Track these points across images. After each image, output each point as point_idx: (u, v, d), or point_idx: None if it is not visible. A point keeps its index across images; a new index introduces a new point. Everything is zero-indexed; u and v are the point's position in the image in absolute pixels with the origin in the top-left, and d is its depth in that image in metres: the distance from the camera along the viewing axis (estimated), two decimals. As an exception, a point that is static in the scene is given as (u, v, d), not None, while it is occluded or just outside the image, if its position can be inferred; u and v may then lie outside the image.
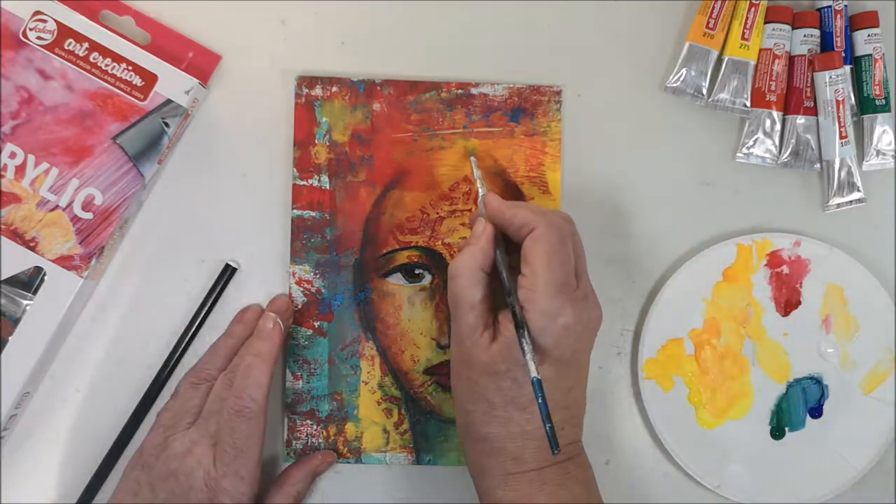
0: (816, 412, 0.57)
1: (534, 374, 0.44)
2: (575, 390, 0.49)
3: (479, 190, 0.53)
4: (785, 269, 0.57)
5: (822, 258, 0.57)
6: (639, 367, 0.56)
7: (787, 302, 0.58)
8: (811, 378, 0.57)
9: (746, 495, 0.56)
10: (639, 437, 0.58)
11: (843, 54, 0.57)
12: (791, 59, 0.58)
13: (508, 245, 0.50)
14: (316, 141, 0.56)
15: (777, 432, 0.57)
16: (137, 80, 0.53)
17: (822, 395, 0.57)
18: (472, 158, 0.55)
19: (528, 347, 0.45)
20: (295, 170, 0.56)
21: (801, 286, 0.58)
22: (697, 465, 0.56)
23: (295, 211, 0.56)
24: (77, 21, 0.53)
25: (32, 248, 0.52)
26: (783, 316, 0.58)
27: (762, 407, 0.57)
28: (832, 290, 0.58)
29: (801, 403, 0.57)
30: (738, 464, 0.57)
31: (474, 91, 0.57)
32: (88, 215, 0.53)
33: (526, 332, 0.45)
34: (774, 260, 0.57)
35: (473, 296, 0.47)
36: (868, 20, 0.58)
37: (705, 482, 0.56)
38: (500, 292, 0.48)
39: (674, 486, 0.57)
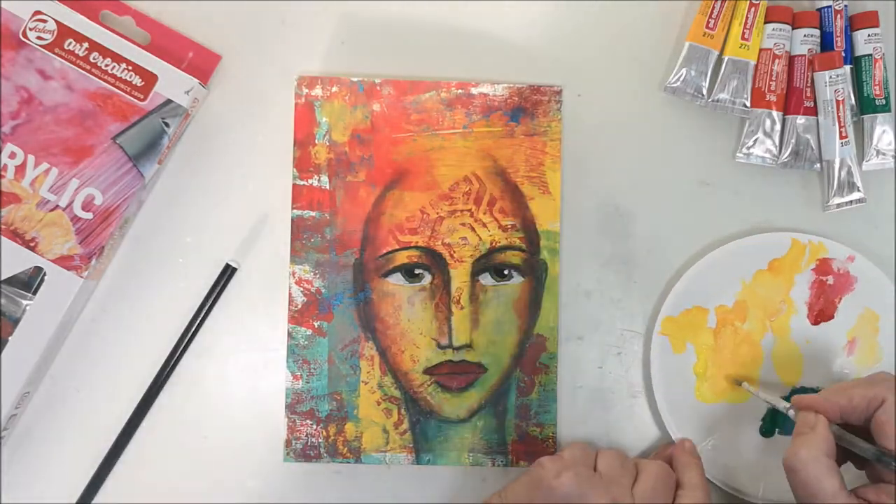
0: None
1: None
2: None
3: (787, 410, 0.51)
4: (831, 279, 0.57)
5: (869, 281, 0.57)
6: (657, 321, 0.56)
7: (821, 312, 0.57)
8: (816, 391, 0.57)
9: (717, 473, 0.56)
10: (639, 437, 0.57)
11: (843, 54, 0.57)
12: (791, 59, 0.58)
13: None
14: (316, 141, 0.56)
15: (766, 430, 0.57)
16: (137, 80, 0.53)
17: None
18: (745, 385, 0.56)
19: None
20: (295, 170, 0.56)
21: (839, 301, 0.57)
22: (681, 429, 0.56)
23: (295, 211, 0.56)
24: (77, 21, 0.53)
25: (32, 248, 0.52)
26: (812, 324, 0.57)
27: (761, 402, 0.57)
28: (868, 314, 0.57)
29: None
30: (721, 443, 0.56)
31: (474, 91, 0.57)
32: (88, 215, 0.53)
33: None
34: (824, 267, 0.57)
35: (832, 485, 0.45)
36: (868, 20, 0.58)
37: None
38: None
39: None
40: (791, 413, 0.51)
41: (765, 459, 0.57)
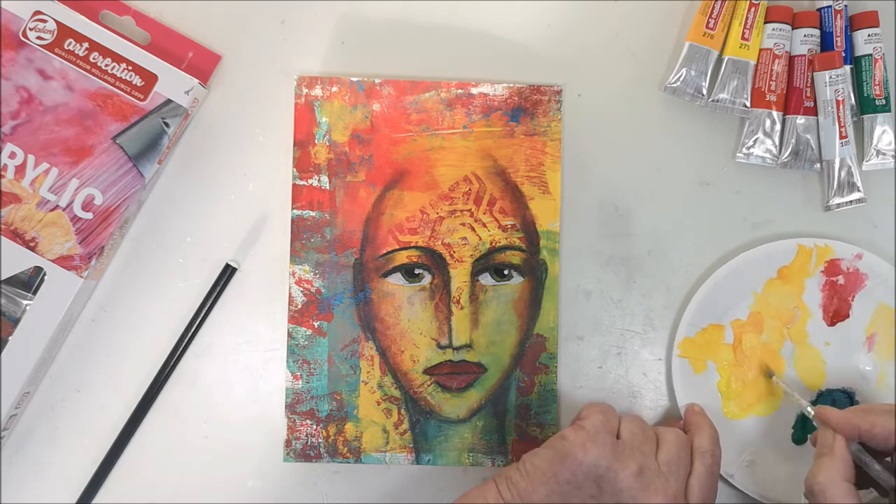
0: None
1: None
2: None
3: (807, 409, 0.52)
4: (840, 279, 0.57)
5: (879, 275, 0.57)
6: (674, 344, 0.56)
7: (836, 312, 0.57)
8: (843, 391, 0.57)
9: (758, 490, 0.56)
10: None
11: (843, 54, 0.57)
12: (791, 59, 0.58)
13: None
14: (316, 141, 0.56)
15: (798, 438, 0.57)
16: (137, 80, 0.53)
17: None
18: (775, 379, 0.56)
19: None
20: (295, 170, 0.56)
21: (852, 299, 0.57)
22: None
23: (295, 211, 0.56)
24: (77, 21, 0.53)
25: (32, 248, 0.52)
26: (828, 325, 0.57)
27: (789, 409, 0.57)
28: (883, 309, 0.57)
29: None
30: (756, 458, 0.56)
31: (474, 91, 0.57)
32: (88, 215, 0.53)
33: None
34: (832, 268, 0.57)
35: None
36: (868, 20, 0.58)
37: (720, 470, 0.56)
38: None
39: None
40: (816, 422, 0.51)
41: (801, 468, 0.56)
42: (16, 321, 0.52)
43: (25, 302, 0.52)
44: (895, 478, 0.46)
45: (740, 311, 0.57)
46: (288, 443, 0.55)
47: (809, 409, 0.52)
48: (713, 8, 0.57)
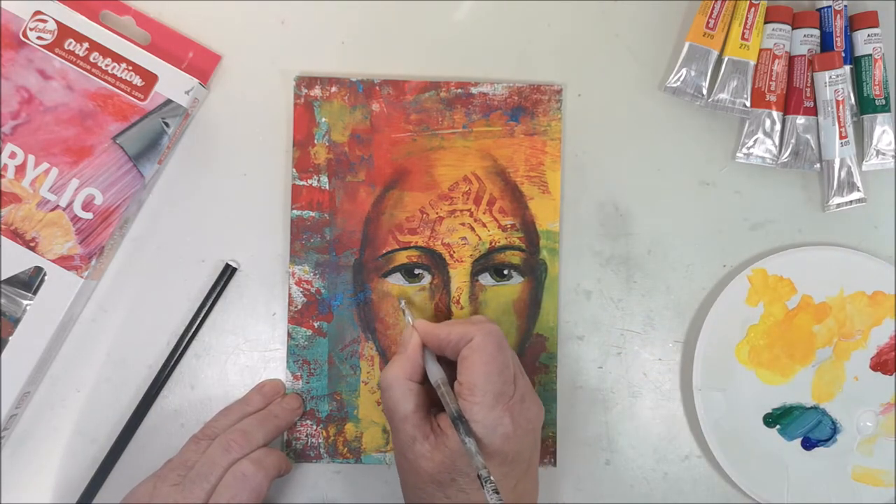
0: (808, 445, 0.57)
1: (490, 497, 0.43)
2: (521, 483, 0.49)
3: (409, 319, 0.53)
4: None
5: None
6: (749, 268, 0.56)
7: (884, 364, 0.57)
8: (834, 422, 0.57)
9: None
10: (638, 438, 0.57)
11: (843, 54, 0.57)
12: (791, 59, 0.58)
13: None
14: (315, 141, 0.56)
15: (771, 421, 0.57)
16: (137, 80, 0.53)
17: (825, 441, 0.57)
18: (402, 301, 0.55)
19: (480, 465, 0.44)
20: (294, 170, 0.56)
21: None
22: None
23: (295, 211, 0.56)
24: (77, 21, 0.53)
25: (32, 248, 0.52)
26: (870, 367, 0.57)
27: (783, 396, 0.57)
28: None
29: (806, 426, 0.57)
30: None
31: (474, 91, 0.57)
32: (88, 215, 0.53)
33: (474, 444, 0.45)
34: None
35: (405, 407, 0.48)
36: (868, 20, 0.58)
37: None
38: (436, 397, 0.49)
39: (673, 486, 0.57)
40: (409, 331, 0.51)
41: (766, 444, 0.57)
42: (16, 321, 0.52)
43: (25, 302, 0.52)
44: (458, 413, 0.47)
45: (818, 292, 0.57)
46: (288, 443, 0.55)
47: (409, 318, 0.53)
48: (713, 8, 0.57)
